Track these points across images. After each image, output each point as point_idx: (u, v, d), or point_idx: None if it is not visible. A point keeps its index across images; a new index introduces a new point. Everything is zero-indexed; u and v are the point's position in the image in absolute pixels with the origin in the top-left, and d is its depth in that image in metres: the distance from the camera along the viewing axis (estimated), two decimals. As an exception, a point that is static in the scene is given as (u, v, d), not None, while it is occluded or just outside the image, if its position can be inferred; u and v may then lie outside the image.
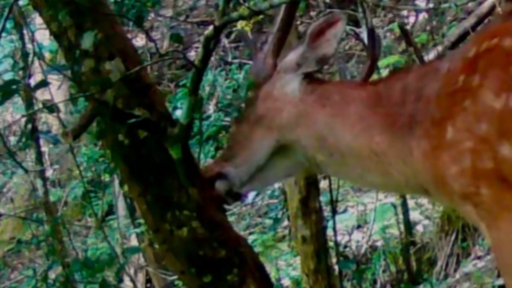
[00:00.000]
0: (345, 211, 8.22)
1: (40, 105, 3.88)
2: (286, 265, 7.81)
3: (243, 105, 3.59)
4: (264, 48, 3.33)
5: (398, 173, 3.01)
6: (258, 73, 3.32)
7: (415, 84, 2.97)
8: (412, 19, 10.39)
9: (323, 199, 5.34)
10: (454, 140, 2.81)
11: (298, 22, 4.45)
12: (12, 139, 9.90)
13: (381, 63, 8.21)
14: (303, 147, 3.18)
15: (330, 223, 5.34)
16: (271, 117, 3.21)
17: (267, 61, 3.29)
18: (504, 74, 2.77)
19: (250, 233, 8.67)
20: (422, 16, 10.17)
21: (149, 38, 3.62)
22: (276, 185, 8.34)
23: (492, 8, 9.15)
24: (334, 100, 3.14)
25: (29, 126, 5.32)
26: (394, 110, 3.00)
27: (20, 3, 5.55)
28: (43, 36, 6.22)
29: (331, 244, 5.27)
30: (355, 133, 3.07)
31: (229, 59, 11.21)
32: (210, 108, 10.36)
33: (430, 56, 8.84)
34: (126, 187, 3.79)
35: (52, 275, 5.23)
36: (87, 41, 3.38)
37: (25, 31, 5.66)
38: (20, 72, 5.54)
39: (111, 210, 9.10)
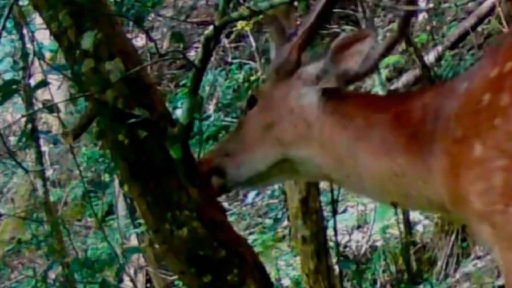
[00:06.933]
0: (345, 211, 8.22)
1: (40, 105, 3.88)
2: (286, 265, 7.81)
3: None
4: (292, 39, 3.17)
5: (418, 193, 2.97)
6: (280, 64, 3.18)
7: (433, 103, 2.93)
8: (412, 19, 10.38)
9: (323, 199, 5.34)
10: (483, 157, 2.77)
11: (298, 23, 4.43)
12: (12, 139, 9.91)
13: (381, 63, 8.22)
14: (316, 165, 3.10)
15: (330, 223, 5.34)
16: (283, 129, 3.10)
17: (292, 54, 3.15)
18: None
19: (250, 233, 8.66)
20: (422, 16, 10.16)
21: (149, 38, 3.61)
22: (276, 185, 8.33)
23: (492, 8, 9.14)
24: (357, 123, 3.04)
25: (29, 126, 5.31)
26: (415, 130, 2.95)
27: (20, 3, 5.55)
28: (43, 36, 6.21)
29: (331, 244, 5.27)
30: (377, 156, 3.00)
31: (229, 59, 11.22)
32: (210, 108, 10.36)
33: (430, 56, 8.85)
34: (126, 187, 3.78)
35: (52, 275, 5.23)
36: (87, 41, 3.38)
37: (25, 31, 5.65)
38: (20, 72, 5.53)
39: (111, 210, 9.10)
